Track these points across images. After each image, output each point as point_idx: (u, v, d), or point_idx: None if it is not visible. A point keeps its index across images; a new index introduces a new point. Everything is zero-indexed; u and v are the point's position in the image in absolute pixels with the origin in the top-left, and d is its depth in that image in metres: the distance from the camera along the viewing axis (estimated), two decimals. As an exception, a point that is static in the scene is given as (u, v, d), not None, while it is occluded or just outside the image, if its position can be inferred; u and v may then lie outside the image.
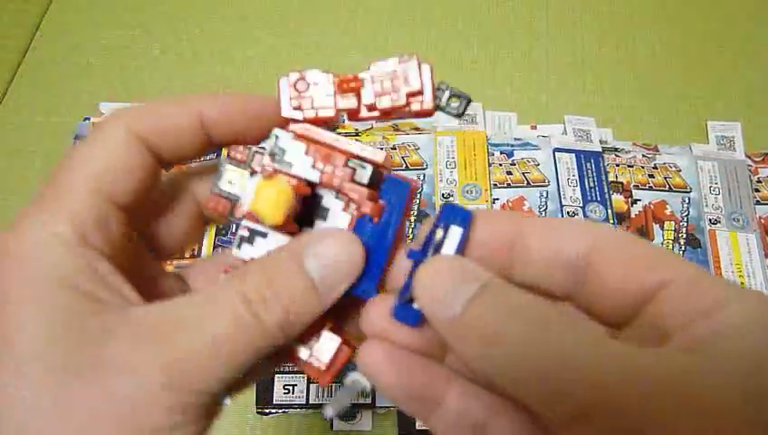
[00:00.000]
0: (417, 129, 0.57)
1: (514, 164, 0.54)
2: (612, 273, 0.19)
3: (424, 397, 0.21)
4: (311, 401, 0.45)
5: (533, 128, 0.58)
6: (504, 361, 0.17)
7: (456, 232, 0.21)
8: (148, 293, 0.20)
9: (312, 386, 0.46)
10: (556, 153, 0.55)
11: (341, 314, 0.22)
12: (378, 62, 0.21)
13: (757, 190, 0.54)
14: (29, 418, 0.16)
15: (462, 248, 0.21)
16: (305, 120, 0.21)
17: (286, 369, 0.46)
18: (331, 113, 0.21)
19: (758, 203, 0.53)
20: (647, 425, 0.16)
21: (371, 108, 0.21)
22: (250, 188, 0.21)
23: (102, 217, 0.19)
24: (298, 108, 0.21)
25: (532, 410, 0.18)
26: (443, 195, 0.52)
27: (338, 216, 0.21)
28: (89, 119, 0.57)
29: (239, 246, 0.22)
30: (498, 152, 0.55)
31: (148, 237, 0.23)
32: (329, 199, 0.22)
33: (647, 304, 0.19)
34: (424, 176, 0.53)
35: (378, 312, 0.21)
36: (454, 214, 0.21)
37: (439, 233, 0.21)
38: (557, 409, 0.17)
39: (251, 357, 0.19)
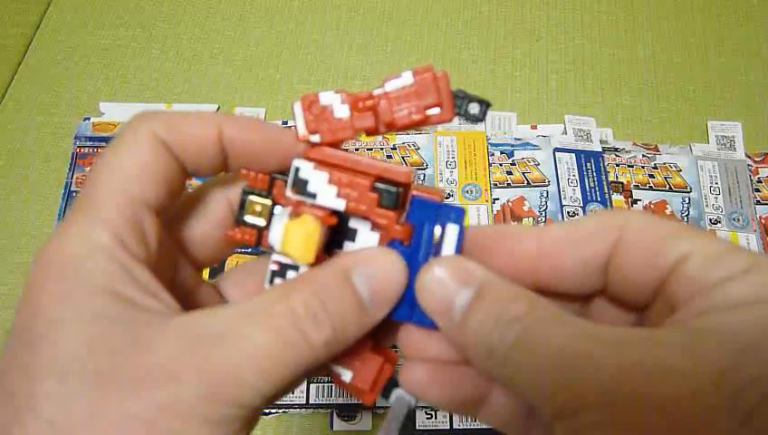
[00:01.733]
0: (417, 129, 0.57)
1: (514, 164, 0.54)
2: (633, 258, 0.20)
3: (469, 401, 0.22)
4: (311, 401, 0.45)
5: (533, 128, 0.58)
6: (501, 368, 0.18)
7: (453, 230, 0.21)
8: (186, 302, 0.20)
9: (313, 386, 0.46)
10: (556, 153, 0.55)
11: (379, 330, 0.22)
12: (392, 79, 0.21)
13: (757, 190, 0.54)
14: (63, 419, 0.16)
15: (461, 246, 0.21)
16: (323, 143, 0.21)
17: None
18: (349, 133, 0.21)
19: (758, 203, 0.53)
20: (611, 419, 0.16)
21: (390, 124, 0.21)
22: (277, 221, 0.21)
23: (138, 222, 0.19)
24: (315, 131, 0.21)
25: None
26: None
27: (367, 236, 0.21)
28: (89, 119, 0.57)
29: (271, 281, 0.21)
30: (498, 152, 0.55)
31: (182, 245, 0.23)
32: (356, 221, 0.22)
33: (665, 282, 0.19)
34: (424, 176, 0.53)
35: (415, 334, 0.22)
36: (447, 211, 0.21)
37: (437, 231, 0.21)
38: (545, 408, 0.17)
39: (293, 373, 0.18)
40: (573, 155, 0.55)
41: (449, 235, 0.21)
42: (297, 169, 0.21)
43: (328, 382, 0.46)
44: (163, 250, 0.20)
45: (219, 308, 0.19)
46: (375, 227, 0.21)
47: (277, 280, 0.21)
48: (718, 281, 0.17)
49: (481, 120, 0.21)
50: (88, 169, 0.55)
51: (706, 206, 0.53)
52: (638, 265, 0.19)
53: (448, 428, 0.45)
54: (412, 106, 0.21)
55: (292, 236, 0.20)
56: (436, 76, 0.20)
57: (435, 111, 0.21)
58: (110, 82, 0.60)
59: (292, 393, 0.46)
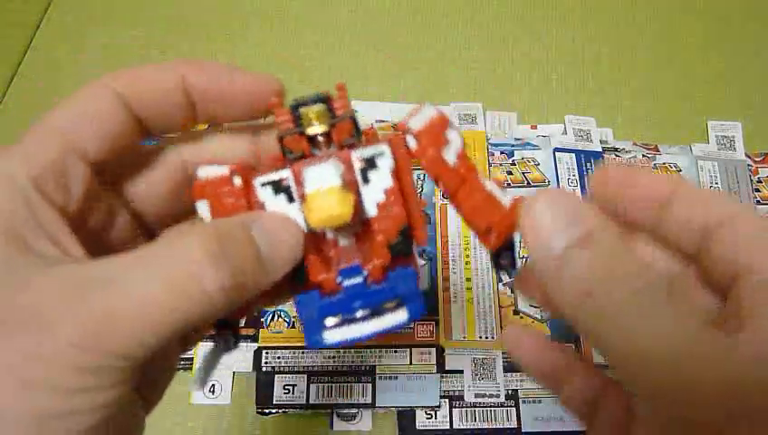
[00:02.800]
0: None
1: (514, 164, 0.54)
2: (724, 247, 0.19)
3: (553, 375, 0.23)
4: (311, 401, 0.45)
5: (533, 128, 0.58)
6: (594, 320, 0.17)
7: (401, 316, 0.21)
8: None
9: (313, 386, 0.46)
10: (556, 153, 0.55)
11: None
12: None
13: (757, 190, 0.54)
14: None
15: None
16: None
17: (286, 368, 0.46)
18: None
19: (758, 203, 0.53)
20: (723, 424, 0.16)
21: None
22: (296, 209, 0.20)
23: (64, 169, 0.19)
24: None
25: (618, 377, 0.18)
26: (443, 195, 0.52)
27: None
28: (89, 119, 0.57)
29: None
30: (498, 152, 0.55)
31: (126, 201, 0.22)
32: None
33: (735, 282, 0.19)
34: (424, 177, 0.53)
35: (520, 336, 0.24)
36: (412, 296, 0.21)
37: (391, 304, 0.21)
38: (637, 386, 0.17)
39: (183, 323, 0.17)
40: (573, 155, 0.55)
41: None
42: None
43: (328, 383, 0.46)
44: (92, 201, 0.20)
45: (118, 255, 0.18)
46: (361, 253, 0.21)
47: None
48: None
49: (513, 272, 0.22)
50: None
51: (706, 206, 0.53)
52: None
53: (448, 428, 0.45)
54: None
55: (323, 200, 0.19)
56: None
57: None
58: (110, 82, 0.60)
59: (292, 393, 0.46)
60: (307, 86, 0.59)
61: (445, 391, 0.46)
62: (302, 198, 0.19)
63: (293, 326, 0.48)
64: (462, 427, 0.45)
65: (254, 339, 0.47)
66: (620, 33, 0.64)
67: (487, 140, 0.56)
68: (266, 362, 0.46)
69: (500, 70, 0.62)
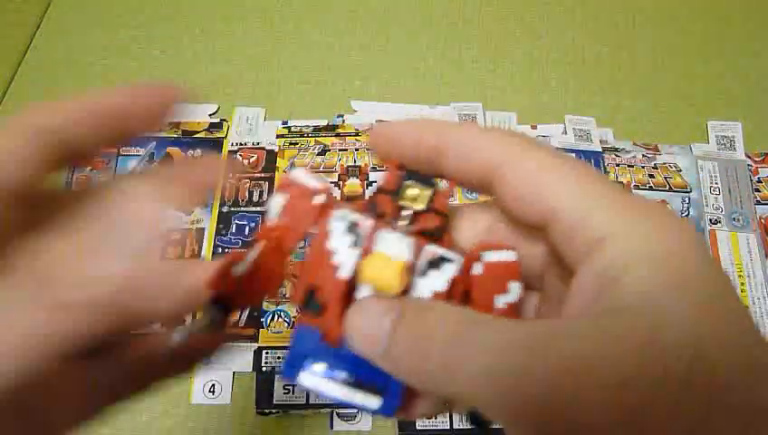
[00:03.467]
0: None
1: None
2: (511, 196, 0.19)
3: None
4: (311, 402, 0.45)
5: (534, 128, 0.58)
6: (435, 376, 0.17)
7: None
8: None
9: (312, 386, 0.46)
10: (556, 153, 0.55)
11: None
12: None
13: (757, 190, 0.54)
14: None
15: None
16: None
17: (286, 369, 0.46)
18: None
19: (758, 203, 0.53)
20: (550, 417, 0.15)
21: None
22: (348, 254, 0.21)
23: None
24: None
25: None
26: (443, 195, 0.52)
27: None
28: (89, 119, 0.57)
29: None
30: (498, 152, 0.55)
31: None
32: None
33: (543, 230, 0.19)
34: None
35: None
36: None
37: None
38: (491, 411, 0.17)
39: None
40: (573, 155, 0.55)
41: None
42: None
43: (328, 382, 0.46)
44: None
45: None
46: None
47: None
48: (592, 246, 0.17)
49: None
50: (88, 168, 0.55)
51: (706, 206, 0.53)
52: (514, 206, 0.19)
53: (448, 428, 0.45)
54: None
55: (385, 264, 0.20)
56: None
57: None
58: (109, 82, 0.60)
59: (292, 393, 0.46)
60: (307, 86, 0.60)
61: (445, 391, 0.46)
62: (366, 251, 0.20)
63: (293, 326, 0.48)
64: (462, 427, 0.45)
65: (254, 339, 0.47)
66: (620, 33, 0.64)
67: (487, 140, 0.56)
68: (266, 362, 0.46)
69: (500, 70, 0.62)
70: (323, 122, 0.57)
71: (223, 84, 0.60)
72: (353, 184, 0.54)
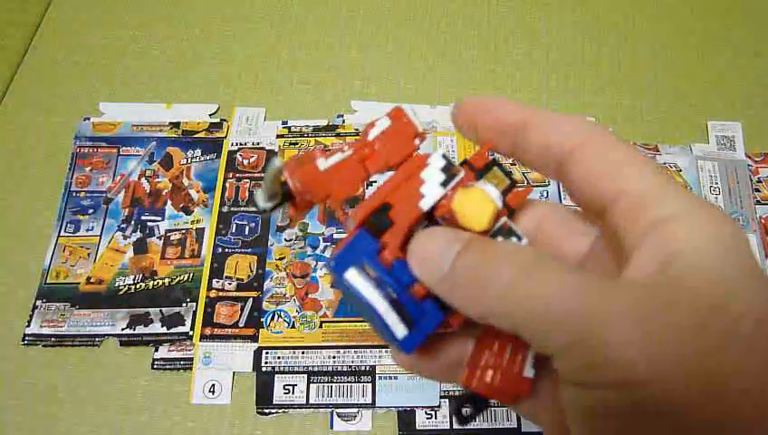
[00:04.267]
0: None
1: (515, 164, 0.54)
2: (581, 174, 0.20)
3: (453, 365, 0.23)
4: (311, 401, 0.45)
5: (533, 128, 0.58)
6: (491, 305, 0.19)
7: None
8: None
9: (312, 386, 0.46)
10: (556, 153, 0.55)
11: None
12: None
13: (757, 190, 0.54)
14: None
15: None
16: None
17: (286, 368, 0.46)
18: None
19: (758, 203, 0.53)
20: (610, 357, 0.16)
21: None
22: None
23: None
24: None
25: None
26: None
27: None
28: (89, 119, 0.57)
29: None
30: (498, 152, 0.55)
31: None
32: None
33: (605, 212, 0.20)
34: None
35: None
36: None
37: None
38: (543, 345, 0.18)
39: None
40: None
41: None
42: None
43: (328, 383, 0.46)
44: None
45: None
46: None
47: None
48: (654, 224, 0.18)
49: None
50: (88, 169, 0.55)
51: (706, 206, 0.53)
52: (582, 186, 0.20)
53: (448, 428, 0.45)
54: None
55: (481, 201, 0.21)
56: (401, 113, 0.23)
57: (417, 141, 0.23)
58: (110, 82, 0.60)
59: (292, 393, 0.46)
60: (307, 86, 0.60)
61: (445, 391, 0.46)
62: (456, 189, 0.21)
63: (293, 326, 0.48)
64: (462, 427, 0.45)
65: (254, 339, 0.47)
66: (620, 33, 0.64)
67: (487, 139, 0.56)
68: (266, 362, 0.46)
69: (500, 70, 0.62)
70: (323, 122, 0.57)
71: (223, 84, 0.60)
72: (353, 184, 0.54)
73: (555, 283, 0.18)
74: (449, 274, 0.20)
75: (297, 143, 0.55)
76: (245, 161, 0.55)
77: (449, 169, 0.22)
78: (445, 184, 0.22)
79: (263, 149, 0.55)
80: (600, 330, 0.16)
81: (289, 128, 0.57)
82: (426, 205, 0.21)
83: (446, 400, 0.46)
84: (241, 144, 0.56)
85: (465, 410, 0.23)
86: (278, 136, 0.56)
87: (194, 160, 0.55)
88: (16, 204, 0.54)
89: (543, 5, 0.65)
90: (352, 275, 0.21)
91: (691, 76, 0.61)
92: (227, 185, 0.54)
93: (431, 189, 0.22)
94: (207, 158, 0.55)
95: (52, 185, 0.54)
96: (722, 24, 0.64)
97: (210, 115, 0.58)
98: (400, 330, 0.20)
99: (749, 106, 0.59)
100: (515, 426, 0.45)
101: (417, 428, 0.45)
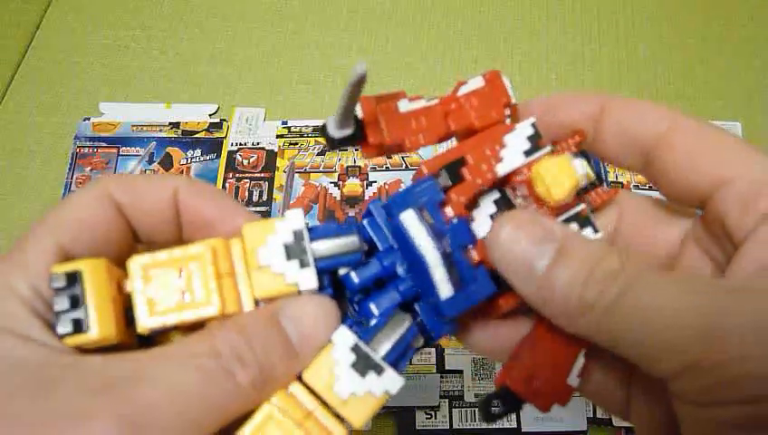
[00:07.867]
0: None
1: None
2: (674, 162, 0.19)
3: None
4: (310, 401, 0.45)
5: (533, 128, 0.58)
6: (592, 325, 0.17)
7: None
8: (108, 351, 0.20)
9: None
10: (556, 153, 0.55)
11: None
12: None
13: (757, 190, 0.54)
14: None
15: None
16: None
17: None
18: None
19: (758, 203, 0.53)
20: (743, 372, 0.15)
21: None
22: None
23: None
24: None
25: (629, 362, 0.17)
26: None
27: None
28: (89, 119, 0.57)
29: None
30: (498, 152, 0.55)
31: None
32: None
33: (709, 199, 0.18)
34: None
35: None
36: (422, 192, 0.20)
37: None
38: (656, 368, 0.17)
39: (220, 416, 0.17)
40: (573, 155, 0.55)
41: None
42: None
43: (328, 382, 0.46)
44: None
45: (138, 351, 0.18)
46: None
47: None
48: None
49: None
50: (88, 169, 0.55)
51: (706, 206, 0.53)
52: (677, 174, 0.19)
53: (448, 428, 0.45)
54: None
55: (568, 171, 0.20)
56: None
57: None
58: (110, 82, 0.60)
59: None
60: (307, 86, 0.59)
61: (444, 391, 0.46)
62: (538, 160, 0.20)
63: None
64: (462, 427, 0.45)
65: (254, 339, 0.47)
66: (620, 33, 0.64)
67: (487, 140, 0.56)
68: (266, 362, 0.46)
69: (500, 70, 0.61)
70: (323, 122, 0.57)
71: (223, 84, 0.60)
72: (353, 184, 0.54)
73: (664, 296, 0.16)
74: (544, 284, 0.18)
75: (297, 143, 0.55)
76: (245, 161, 0.55)
77: (536, 140, 0.21)
78: (528, 153, 0.20)
79: (262, 149, 0.55)
80: (723, 346, 0.15)
81: (289, 128, 0.57)
82: (502, 169, 0.20)
83: (446, 400, 0.45)
84: (241, 144, 0.56)
85: (495, 409, 0.21)
86: (278, 136, 0.56)
87: (194, 160, 0.55)
88: (16, 204, 0.54)
89: (543, 5, 0.65)
90: (409, 217, 0.19)
91: (691, 76, 0.61)
92: (227, 185, 0.54)
93: (513, 155, 0.20)
94: (207, 158, 0.55)
95: (52, 185, 0.54)
96: (722, 23, 0.64)
97: (210, 115, 0.58)
98: (446, 289, 0.19)
99: (749, 106, 0.59)
100: (515, 426, 0.45)
101: (417, 428, 0.45)
